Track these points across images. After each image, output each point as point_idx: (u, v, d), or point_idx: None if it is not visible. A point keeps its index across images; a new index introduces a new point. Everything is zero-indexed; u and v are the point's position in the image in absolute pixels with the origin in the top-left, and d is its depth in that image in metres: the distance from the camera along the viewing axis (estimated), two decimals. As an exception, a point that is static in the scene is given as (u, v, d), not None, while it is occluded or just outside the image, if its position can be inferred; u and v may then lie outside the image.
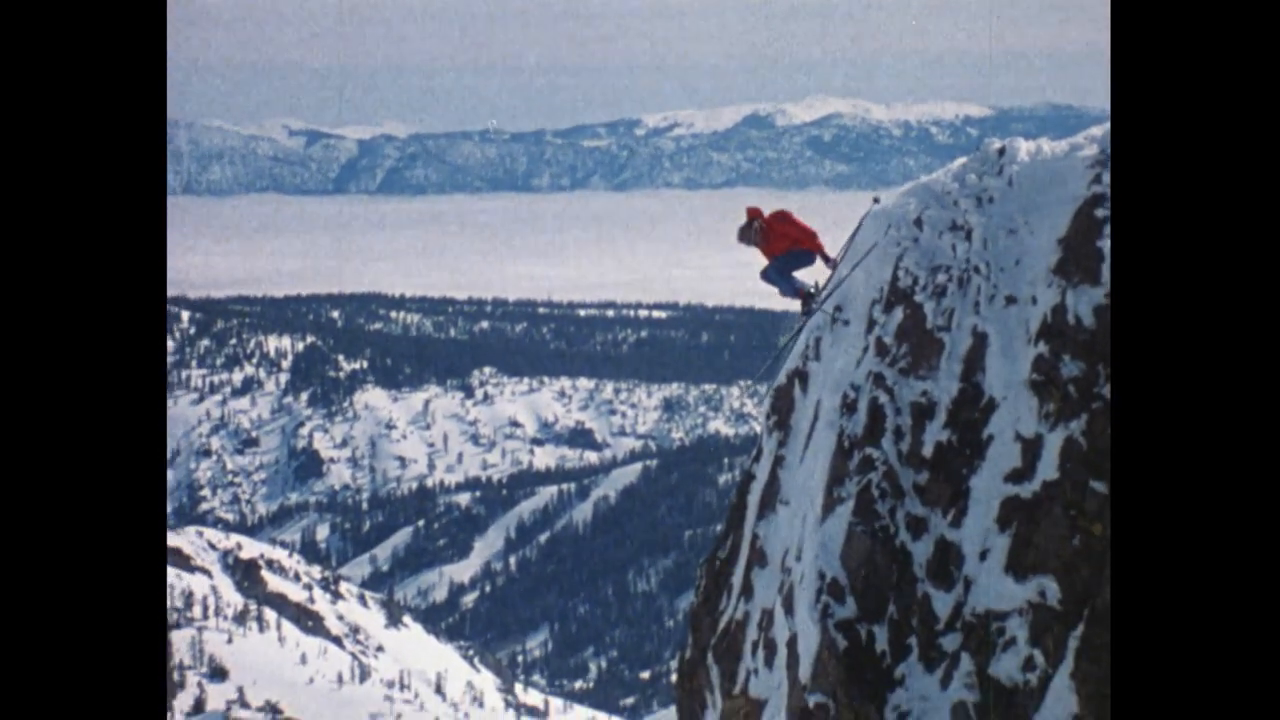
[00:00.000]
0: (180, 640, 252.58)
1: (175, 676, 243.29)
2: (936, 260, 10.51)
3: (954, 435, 8.11)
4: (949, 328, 8.89)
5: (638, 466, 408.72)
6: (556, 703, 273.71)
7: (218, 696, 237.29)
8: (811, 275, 18.52)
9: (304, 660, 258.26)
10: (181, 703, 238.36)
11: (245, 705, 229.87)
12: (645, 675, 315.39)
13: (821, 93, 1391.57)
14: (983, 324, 9.39)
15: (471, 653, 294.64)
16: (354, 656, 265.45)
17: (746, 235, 19.45)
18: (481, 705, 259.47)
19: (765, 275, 18.84)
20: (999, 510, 7.65)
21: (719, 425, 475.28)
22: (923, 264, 10.45)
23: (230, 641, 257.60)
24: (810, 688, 8.78)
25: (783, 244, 18.43)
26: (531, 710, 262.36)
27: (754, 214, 19.53)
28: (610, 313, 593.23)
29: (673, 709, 15.15)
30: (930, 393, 8.59)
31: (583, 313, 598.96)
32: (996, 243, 10.82)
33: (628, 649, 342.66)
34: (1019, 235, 10.77)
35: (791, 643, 9.19)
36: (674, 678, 14.82)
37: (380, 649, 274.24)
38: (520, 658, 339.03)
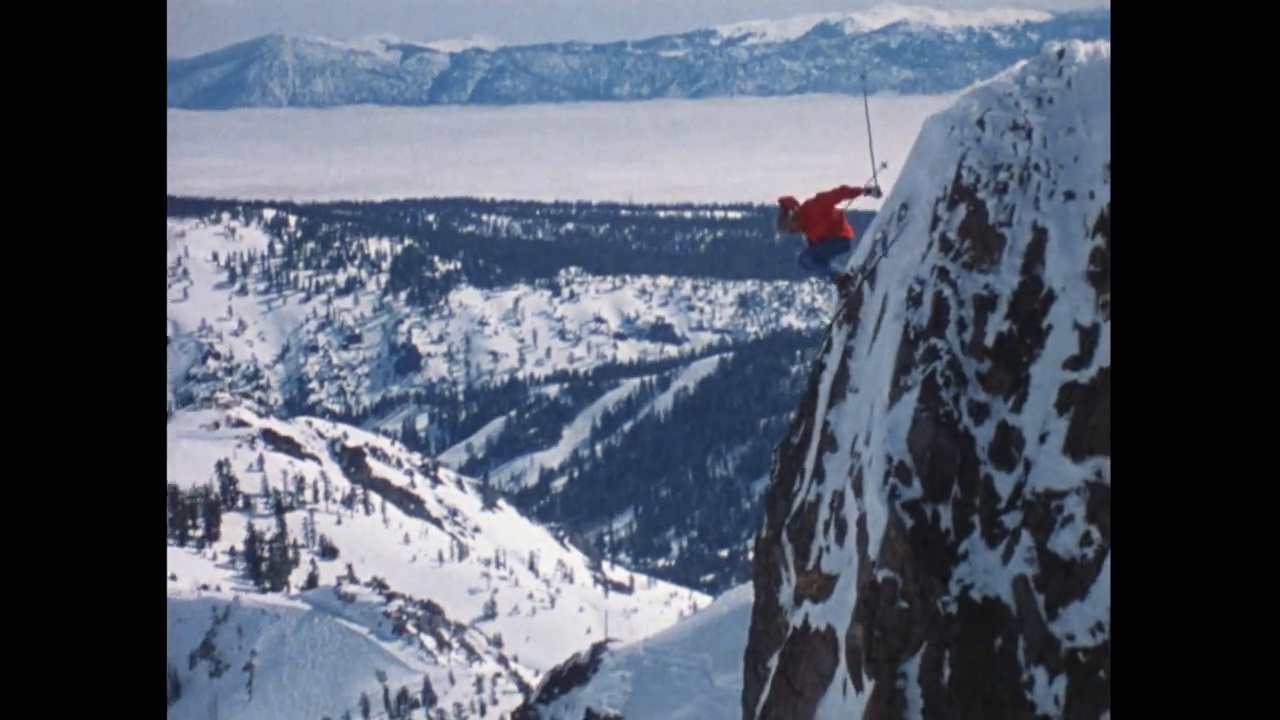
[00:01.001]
0: (293, 522, 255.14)
1: (290, 555, 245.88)
2: (998, 159, 10.39)
3: (1014, 325, 8.05)
4: (1010, 223, 8.79)
5: (715, 359, 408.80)
6: (641, 579, 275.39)
7: (329, 573, 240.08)
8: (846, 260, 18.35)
9: (407, 540, 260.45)
10: (296, 578, 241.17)
11: (354, 581, 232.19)
12: (723, 553, 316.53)
13: (888, 0, 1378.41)
14: (1042, 219, 9.28)
15: (561, 533, 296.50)
16: (453, 537, 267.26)
17: (785, 223, 19.26)
18: (571, 581, 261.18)
19: (802, 263, 18.63)
20: (1057, 395, 7.60)
21: (791, 319, 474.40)
22: (985, 163, 10.33)
23: (339, 523, 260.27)
24: (879, 563, 8.76)
25: (820, 225, 18.16)
26: (618, 586, 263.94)
27: (788, 203, 19.34)
28: (688, 214, 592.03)
29: (750, 584, 15.16)
30: (992, 285, 8.51)
31: (662, 214, 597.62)
32: (1055, 141, 10.68)
33: (707, 529, 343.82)
34: (1077, 134, 10.62)
35: (861, 521, 9.16)
36: (750, 555, 14.83)
37: (477, 530, 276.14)
38: (607, 538, 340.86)
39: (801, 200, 18.97)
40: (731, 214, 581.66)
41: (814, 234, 18.07)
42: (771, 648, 11.06)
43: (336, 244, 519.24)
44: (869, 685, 8.60)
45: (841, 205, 18.25)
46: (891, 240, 11.84)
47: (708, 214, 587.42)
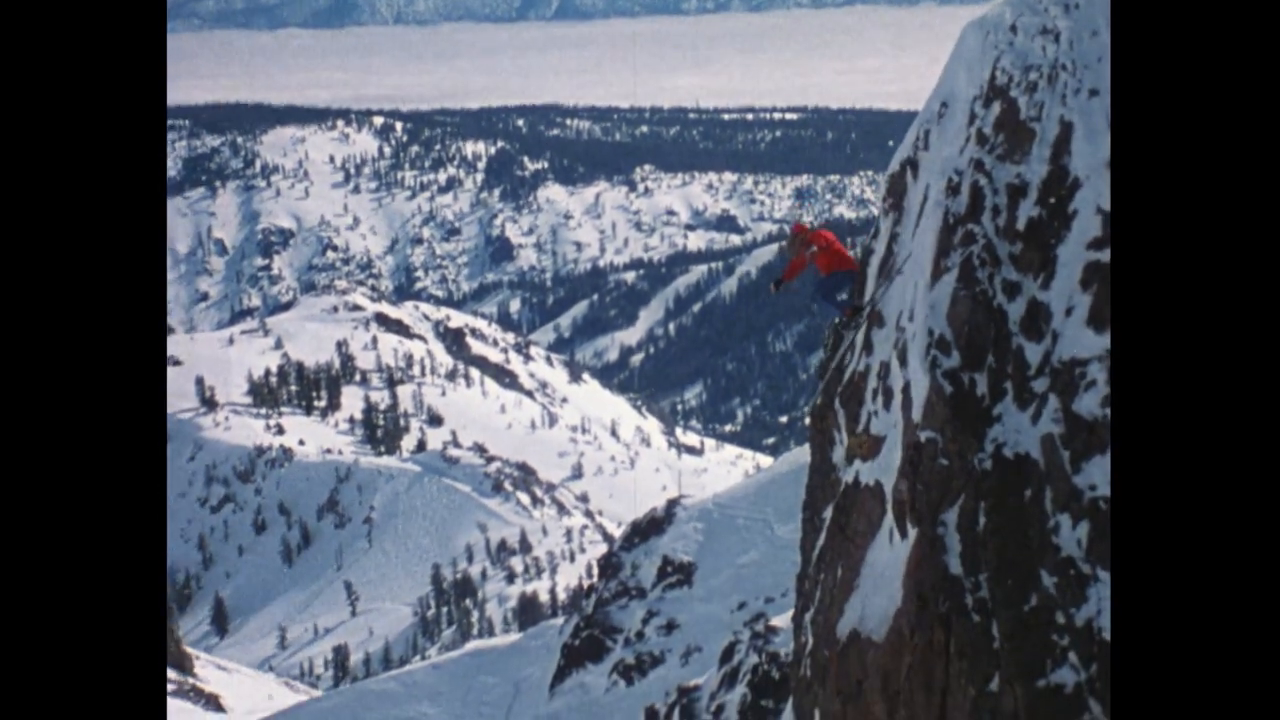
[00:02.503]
0: (404, 394, 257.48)
1: (401, 423, 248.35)
2: (1029, 60, 10.22)
3: (1043, 211, 7.96)
4: (1039, 118, 8.67)
5: (774, 247, 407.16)
6: (710, 443, 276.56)
7: (435, 439, 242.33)
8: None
9: (503, 409, 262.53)
10: (406, 443, 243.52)
11: (457, 445, 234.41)
12: (783, 419, 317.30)
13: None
14: (1069, 114, 9.14)
15: (639, 403, 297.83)
16: (543, 407, 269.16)
17: (794, 246, 18.92)
18: (648, 445, 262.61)
19: (813, 299, 18.29)
20: (1082, 273, 7.54)
21: (843, 209, 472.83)
22: (1017, 64, 10.17)
23: (443, 395, 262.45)
24: (921, 425, 8.74)
25: (828, 255, 17.81)
26: (689, 449, 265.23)
27: (800, 230, 19.02)
28: (749, 116, 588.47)
29: (807, 446, 15.21)
30: (1023, 175, 8.42)
31: (726, 117, 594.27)
32: (1081, 43, 10.50)
33: (768, 398, 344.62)
34: (1100, 36, 10.44)
35: (905, 389, 9.14)
36: (807, 421, 14.85)
37: (564, 400, 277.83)
38: (679, 406, 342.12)
39: (805, 230, 18.68)
40: (789, 115, 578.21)
41: (822, 261, 17.71)
42: (826, 501, 11.08)
43: (437, 147, 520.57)
44: (913, 533, 8.62)
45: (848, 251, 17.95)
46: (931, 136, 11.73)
47: (767, 116, 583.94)
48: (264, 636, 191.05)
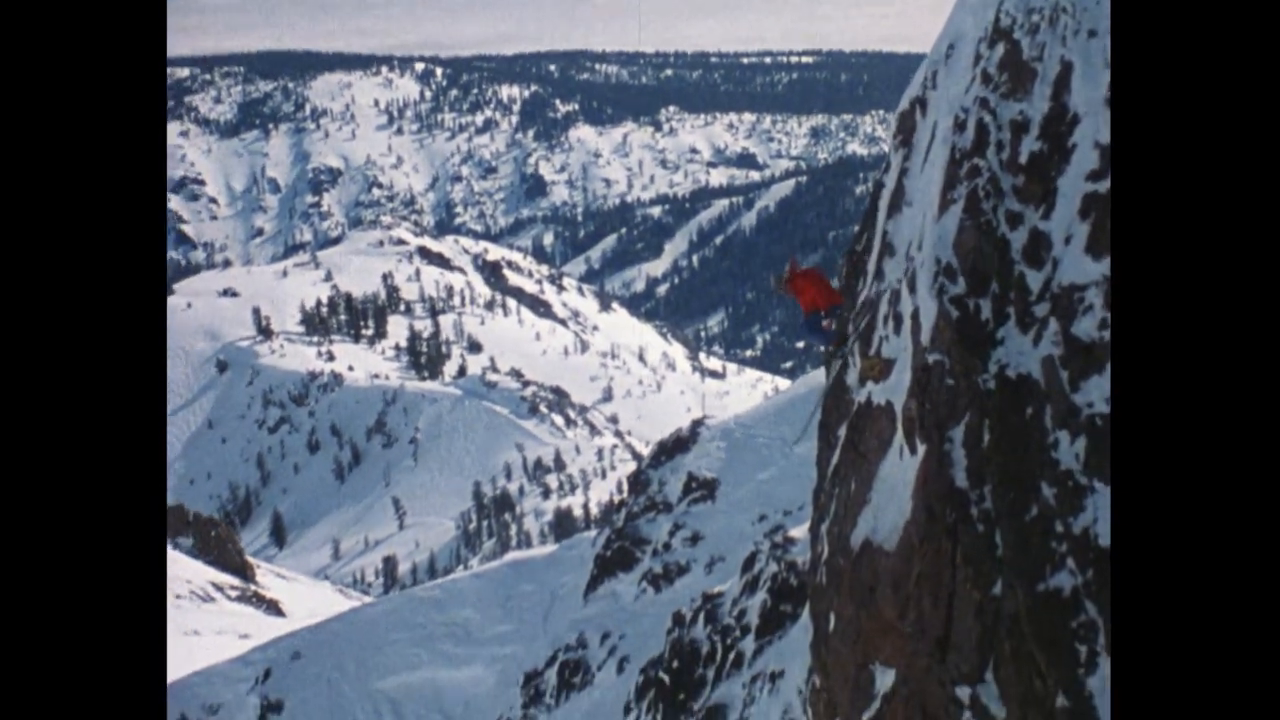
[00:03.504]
0: (445, 323, 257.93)
1: (443, 349, 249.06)
2: (1031, 4, 10.08)
3: (1045, 145, 7.91)
4: (1041, 58, 8.59)
5: (791, 182, 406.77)
6: (732, 367, 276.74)
7: (475, 364, 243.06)
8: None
9: (538, 337, 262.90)
10: (448, 369, 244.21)
11: (496, 370, 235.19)
12: (800, 345, 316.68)
13: None
14: (1068, 54, 9.03)
15: (665, 330, 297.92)
16: (575, 334, 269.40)
17: (780, 284, 18.70)
18: (674, 369, 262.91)
19: (800, 333, 18.10)
20: (1080, 204, 7.50)
21: (855, 147, 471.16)
22: (1020, 7, 10.03)
23: (483, 324, 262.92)
24: (929, 348, 8.73)
25: (810, 291, 17.61)
26: (712, 373, 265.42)
27: (794, 265, 18.79)
28: (767, 59, 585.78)
29: (822, 369, 15.22)
30: (1025, 112, 8.35)
31: (745, 60, 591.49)
32: (1080, -12, 10.43)
33: (786, 325, 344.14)
34: (1099, -17, 10.39)
35: (914, 314, 9.13)
36: (822, 350, 14.86)
37: (595, 328, 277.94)
38: (702, 333, 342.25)
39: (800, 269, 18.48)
40: (805, 58, 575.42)
41: (807, 302, 17.49)
42: (841, 420, 11.09)
43: (475, 91, 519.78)
44: (921, 449, 8.62)
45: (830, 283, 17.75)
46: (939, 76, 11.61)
47: (784, 59, 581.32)
48: (319, 548, 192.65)
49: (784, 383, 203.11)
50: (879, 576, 9.21)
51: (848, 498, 10.47)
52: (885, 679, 9.17)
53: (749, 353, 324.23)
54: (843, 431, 10.98)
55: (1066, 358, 7.78)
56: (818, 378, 34.03)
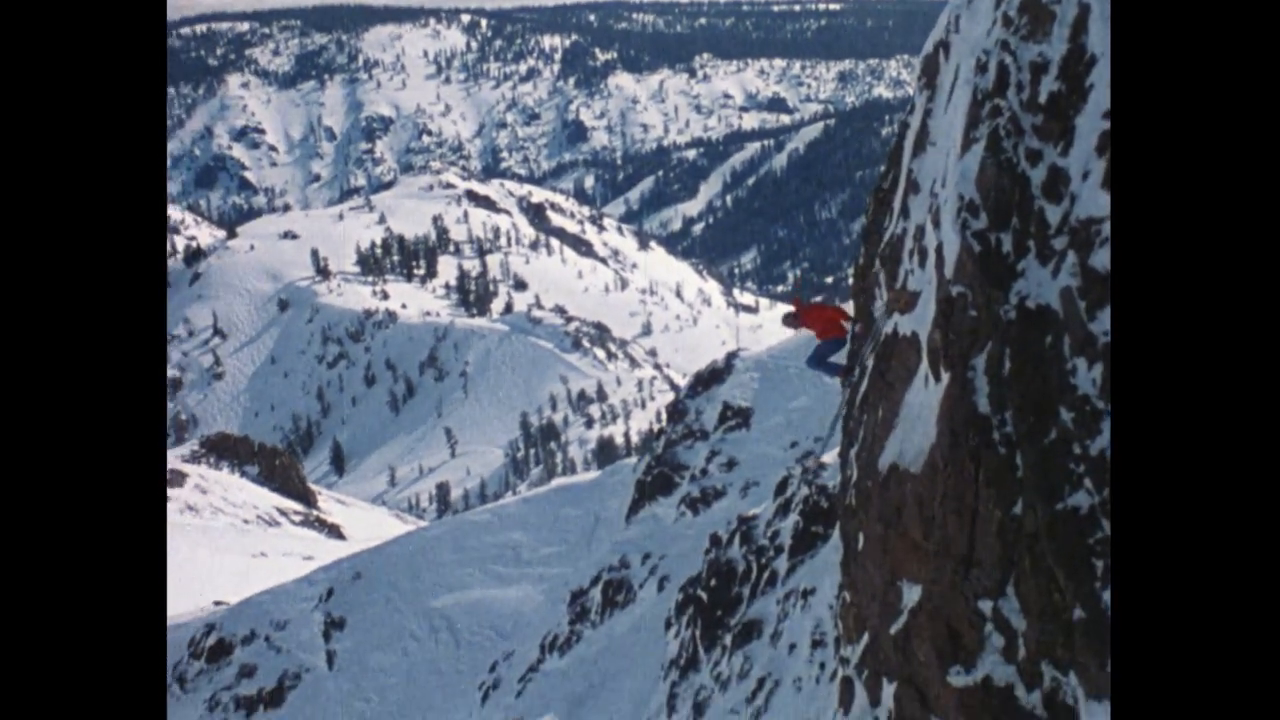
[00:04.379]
0: (492, 262, 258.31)
1: (490, 288, 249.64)
2: (1050, -49, 9.97)
3: (1063, 85, 7.83)
4: (1059, 1, 8.50)
5: (820, 125, 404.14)
6: (764, 302, 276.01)
7: (521, 301, 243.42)
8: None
9: (580, 275, 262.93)
10: (496, 306, 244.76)
11: (540, 307, 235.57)
12: (829, 280, 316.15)
13: None
14: (1086, -1, 8.94)
15: (700, 267, 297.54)
16: (615, 272, 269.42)
17: (791, 322, 18.50)
18: (709, 305, 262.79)
19: (810, 364, 17.90)
20: (1097, 141, 7.42)
21: (881, 90, 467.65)
22: (1039, -46, 9.92)
23: (528, 263, 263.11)
24: (953, 281, 8.69)
25: (820, 324, 17.43)
26: (746, 307, 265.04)
27: (797, 303, 18.54)
28: (797, 7, 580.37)
29: (851, 302, 15.18)
30: (1045, 53, 8.25)
31: (776, 8, 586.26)
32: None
33: (816, 261, 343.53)
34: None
35: (938, 249, 9.09)
36: (851, 280, 14.81)
37: (634, 266, 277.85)
38: (736, 270, 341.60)
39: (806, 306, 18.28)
40: (832, 5, 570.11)
41: (819, 330, 17.32)
42: (868, 351, 11.08)
43: (518, 41, 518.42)
44: (945, 377, 8.61)
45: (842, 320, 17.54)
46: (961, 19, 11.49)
47: (813, 6, 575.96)
48: (376, 475, 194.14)
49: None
50: (905, 498, 9.22)
51: (875, 424, 10.48)
52: (911, 594, 9.21)
53: (780, 288, 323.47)
54: (870, 361, 10.97)
55: (1084, 288, 7.74)
56: (847, 311, 34.11)
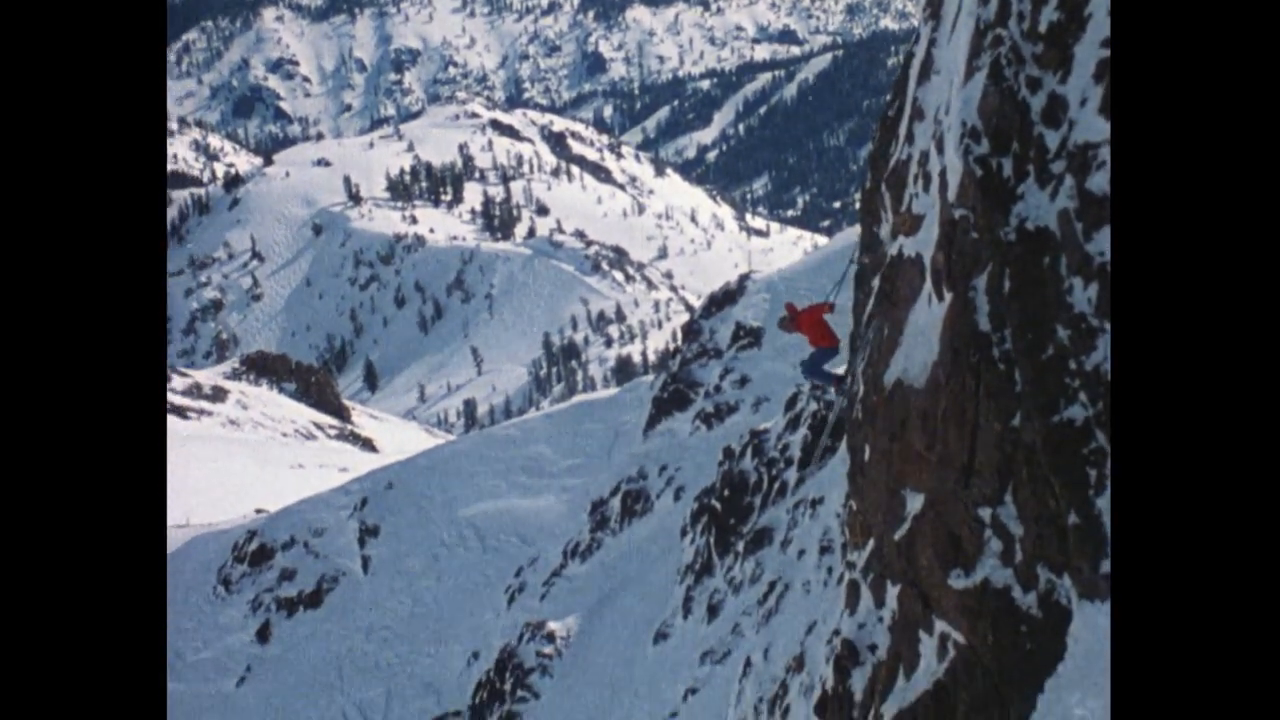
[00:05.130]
0: (516, 189, 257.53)
1: (514, 213, 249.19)
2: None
3: (1062, 15, 7.74)
4: (1060, -65, 8.39)
5: (829, 56, 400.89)
6: (775, 226, 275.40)
7: (543, 226, 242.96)
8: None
9: (599, 201, 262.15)
10: (519, 230, 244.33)
11: (562, 231, 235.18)
12: (837, 205, 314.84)
13: None
14: (1087, -69, 8.79)
15: (714, 193, 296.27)
16: (633, 198, 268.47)
17: (787, 325, 18.14)
18: (722, 229, 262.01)
19: (805, 373, 17.59)
20: (1095, 69, 7.33)
21: (888, 22, 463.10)
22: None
23: (549, 189, 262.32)
24: (955, 204, 8.65)
25: (811, 329, 17.08)
26: (757, 231, 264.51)
27: (792, 309, 18.14)
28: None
29: (857, 226, 15.12)
30: (1045, -15, 8.21)
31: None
32: None
33: (824, 186, 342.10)
34: None
35: (942, 173, 9.04)
36: (858, 205, 14.74)
37: (651, 192, 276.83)
38: (748, 195, 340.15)
39: (800, 309, 17.92)
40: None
41: (812, 334, 17.00)
42: (874, 272, 11.05)
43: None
44: (948, 297, 8.60)
45: (825, 316, 17.17)
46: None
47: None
48: (406, 392, 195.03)
49: (822, 239, 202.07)
50: (909, 411, 9.24)
51: (881, 342, 10.47)
52: (914, 502, 9.26)
53: (790, 213, 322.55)
54: (876, 282, 10.96)
55: (1081, 210, 7.70)
56: (852, 234, 33.84)
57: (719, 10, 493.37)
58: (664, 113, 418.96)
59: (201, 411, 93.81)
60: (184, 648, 43.00)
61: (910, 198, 10.06)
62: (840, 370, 16.41)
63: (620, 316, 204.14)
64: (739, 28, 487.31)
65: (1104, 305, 7.32)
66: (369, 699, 39.65)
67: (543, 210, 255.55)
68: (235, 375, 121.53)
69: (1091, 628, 7.52)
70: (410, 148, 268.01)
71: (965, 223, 8.49)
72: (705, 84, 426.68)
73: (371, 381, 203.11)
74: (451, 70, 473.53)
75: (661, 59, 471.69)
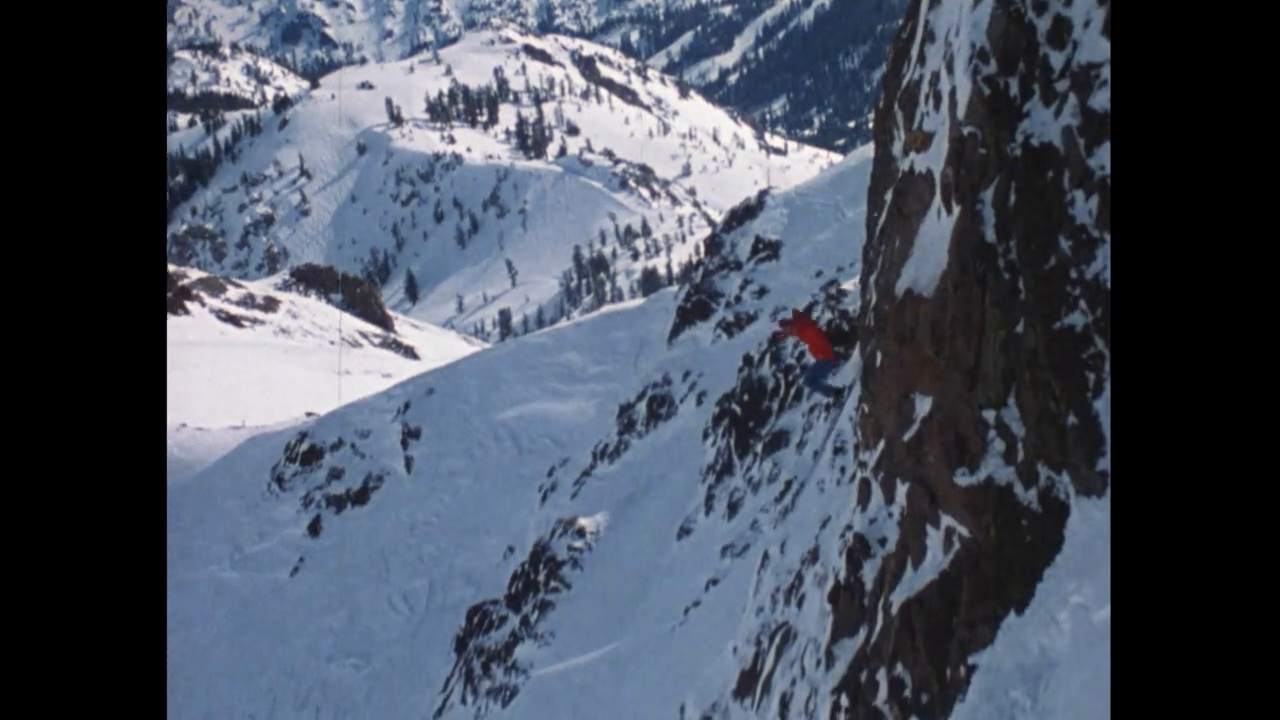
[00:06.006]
0: (548, 110, 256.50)
1: (546, 133, 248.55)
2: None
3: (1069, -61, 7.65)
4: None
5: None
6: (793, 145, 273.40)
7: (574, 146, 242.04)
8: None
9: (626, 121, 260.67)
10: (551, 150, 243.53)
11: (591, 150, 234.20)
12: (851, 124, 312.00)
13: None
14: None
15: (735, 114, 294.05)
16: (658, 119, 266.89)
17: (786, 329, 17.79)
18: (743, 147, 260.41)
19: (806, 384, 17.28)
20: (1100, -7, 7.28)
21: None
22: None
23: (579, 110, 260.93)
24: (964, 122, 8.56)
25: (810, 339, 16.71)
26: (776, 150, 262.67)
27: (795, 314, 17.74)
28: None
29: (871, 144, 15.00)
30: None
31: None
32: None
33: (839, 107, 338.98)
34: None
35: (951, 93, 8.93)
36: (871, 124, 14.61)
37: (675, 113, 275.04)
38: (767, 116, 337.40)
39: (798, 319, 17.58)
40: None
41: (810, 347, 16.69)
42: (887, 187, 10.98)
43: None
44: (956, 210, 8.54)
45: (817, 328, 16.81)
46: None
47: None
48: (445, 302, 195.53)
49: (837, 157, 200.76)
50: (919, 319, 9.22)
51: (892, 253, 10.43)
52: (923, 405, 9.28)
53: (807, 132, 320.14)
54: (889, 196, 10.89)
55: (1083, 127, 7.62)
56: (866, 152, 33.61)
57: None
58: (688, 38, 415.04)
59: (255, 321, 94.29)
60: (242, 540, 43.61)
61: (921, 116, 9.96)
62: (839, 383, 16.33)
63: (646, 231, 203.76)
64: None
65: (1104, 217, 7.26)
66: (413, 589, 40.18)
67: (573, 130, 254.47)
68: (286, 286, 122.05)
69: (1088, 521, 7.55)
70: (448, 71, 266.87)
71: (973, 139, 8.41)
72: (726, 10, 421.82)
73: (413, 292, 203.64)
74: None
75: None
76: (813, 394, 16.77)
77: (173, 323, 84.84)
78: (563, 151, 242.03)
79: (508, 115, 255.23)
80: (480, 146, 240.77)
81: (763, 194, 46.78)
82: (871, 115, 12.85)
